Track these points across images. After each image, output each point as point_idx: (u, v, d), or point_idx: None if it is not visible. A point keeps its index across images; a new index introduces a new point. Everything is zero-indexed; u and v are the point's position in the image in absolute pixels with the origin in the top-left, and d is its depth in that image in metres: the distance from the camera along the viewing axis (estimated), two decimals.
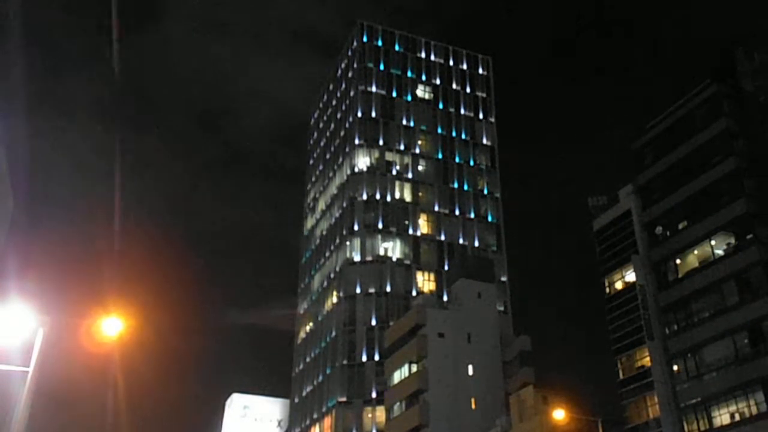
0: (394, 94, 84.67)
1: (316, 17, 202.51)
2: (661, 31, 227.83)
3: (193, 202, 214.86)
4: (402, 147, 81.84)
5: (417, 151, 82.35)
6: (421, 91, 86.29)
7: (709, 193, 47.67)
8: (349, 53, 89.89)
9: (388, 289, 73.29)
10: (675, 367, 47.02)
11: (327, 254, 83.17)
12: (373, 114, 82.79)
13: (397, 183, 79.77)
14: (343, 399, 69.48)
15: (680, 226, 49.40)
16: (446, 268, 75.01)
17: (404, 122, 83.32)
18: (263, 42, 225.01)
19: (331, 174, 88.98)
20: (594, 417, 44.62)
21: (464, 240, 79.10)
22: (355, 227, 76.81)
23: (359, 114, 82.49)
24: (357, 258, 75.23)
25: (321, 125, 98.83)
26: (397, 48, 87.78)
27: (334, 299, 76.87)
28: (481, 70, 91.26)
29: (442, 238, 78.21)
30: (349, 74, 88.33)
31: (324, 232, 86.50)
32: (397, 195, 79.06)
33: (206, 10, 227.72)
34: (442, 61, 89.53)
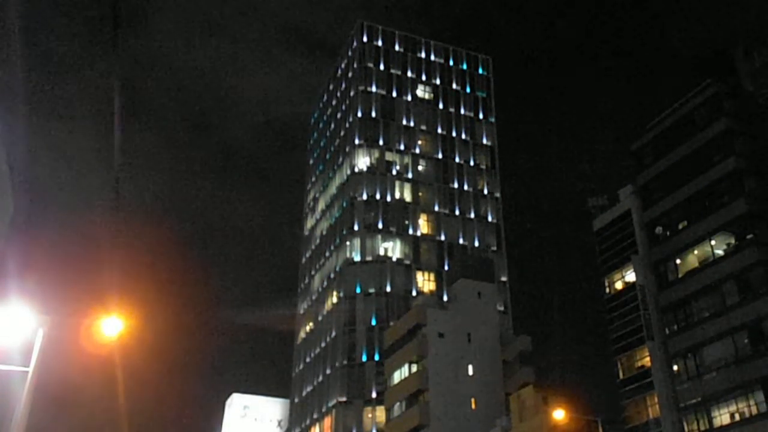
0: (394, 94, 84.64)
1: (315, 17, 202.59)
2: (662, 31, 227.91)
3: (193, 202, 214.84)
4: (402, 147, 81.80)
5: (417, 151, 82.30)
6: (421, 91, 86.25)
7: (709, 193, 47.66)
8: (349, 53, 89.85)
9: (388, 289, 73.25)
10: (675, 367, 47.01)
11: (327, 254, 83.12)
12: (373, 114, 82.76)
13: (397, 183, 79.73)
14: (343, 399, 69.45)
15: (680, 226, 49.38)
16: (446, 268, 74.97)
17: (404, 122, 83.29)
18: (262, 42, 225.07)
19: (331, 174, 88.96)
20: (594, 417, 44.62)
21: (464, 240, 79.09)
22: (355, 227, 76.78)
23: (359, 114, 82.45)
24: (357, 258, 75.20)
25: (321, 125, 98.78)
26: (397, 48, 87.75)
27: (334, 299, 76.82)
28: (481, 70, 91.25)
29: (442, 238, 78.19)
30: (349, 74, 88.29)
31: (324, 232, 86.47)
32: (397, 195, 79.03)
33: (203, 10, 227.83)
34: (442, 61, 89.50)
